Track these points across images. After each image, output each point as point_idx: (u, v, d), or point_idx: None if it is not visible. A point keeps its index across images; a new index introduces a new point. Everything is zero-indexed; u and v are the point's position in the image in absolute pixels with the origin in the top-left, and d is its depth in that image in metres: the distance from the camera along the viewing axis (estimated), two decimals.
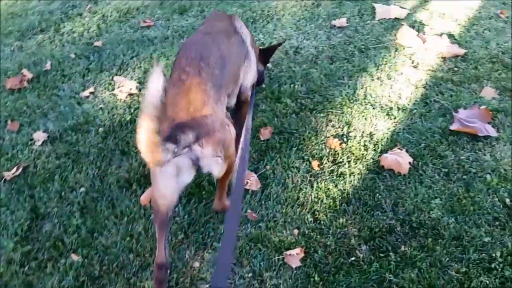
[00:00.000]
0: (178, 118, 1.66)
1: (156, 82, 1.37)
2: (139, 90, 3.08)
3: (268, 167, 2.43)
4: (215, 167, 1.77)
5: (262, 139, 2.58)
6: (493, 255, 2.00)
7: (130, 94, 3.06)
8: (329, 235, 2.12)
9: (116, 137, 2.73)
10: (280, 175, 2.39)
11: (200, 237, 2.16)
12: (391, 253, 2.04)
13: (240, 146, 1.99)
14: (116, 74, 3.28)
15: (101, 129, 2.81)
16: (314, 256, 2.04)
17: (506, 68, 3.08)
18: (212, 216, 2.23)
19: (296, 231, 2.15)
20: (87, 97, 3.11)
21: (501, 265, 1.95)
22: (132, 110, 2.94)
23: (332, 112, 2.75)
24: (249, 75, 2.34)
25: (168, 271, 1.88)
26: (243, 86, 2.31)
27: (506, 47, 3.28)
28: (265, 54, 2.67)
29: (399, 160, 2.39)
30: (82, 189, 2.45)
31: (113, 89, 3.13)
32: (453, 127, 2.58)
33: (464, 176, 2.36)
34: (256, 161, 2.48)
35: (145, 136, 1.46)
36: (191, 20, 3.90)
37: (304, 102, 2.86)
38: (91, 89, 3.16)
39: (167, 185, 1.71)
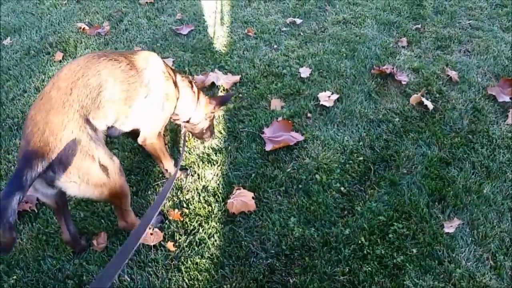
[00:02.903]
0: (32, 141, 1.78)
1: None
2: None
3: (124, 277, 2.19)
4: (70, 190, 1.91)
5: (98, 251, 2.31)
6: (360, 241, 2.28)
7: None
8: None
9: None
10: (141, 279, 2.18)
11: None
12: None
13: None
14: None
15: None
16: None
17: (277, 77, 3.54)
18: None
19: None
20: None
21: (370, 247, 2.24)
22: None
23: (157, 185, 2.67)
24: (150, 119, 2.35)
25: (76, 240, 2.28)
26: (141, 128, 2.36)
27: (268, 59, 3.76)
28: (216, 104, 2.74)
29: (243, 199, 2.48)
30: None
31: None
32: (268, 147, 2.82)
33: (300, 186, 2.61)
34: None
35: None
36: None
37: None
38: None
39: (37, 195, 2.01)
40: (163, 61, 2.42)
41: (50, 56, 4.03)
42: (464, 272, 2.15)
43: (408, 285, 2.10)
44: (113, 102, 2.08)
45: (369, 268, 2.16)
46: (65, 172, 1.83)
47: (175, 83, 2.43)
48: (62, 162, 1.81)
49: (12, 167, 2.82)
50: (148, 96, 2.26)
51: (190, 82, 2.63)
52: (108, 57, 2.13)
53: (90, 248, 2.32)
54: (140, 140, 2.42)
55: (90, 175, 1.92)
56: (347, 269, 2.17)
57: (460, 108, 3.19)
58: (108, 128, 2.12)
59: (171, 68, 2.47)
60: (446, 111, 3.16)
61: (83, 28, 4.40)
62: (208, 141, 2.89)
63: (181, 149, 2.50)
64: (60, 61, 3.92)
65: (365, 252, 2.23)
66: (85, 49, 4.08)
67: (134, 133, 2.40)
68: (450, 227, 2.36)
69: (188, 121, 2.71)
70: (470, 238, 2.31)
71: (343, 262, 2.20)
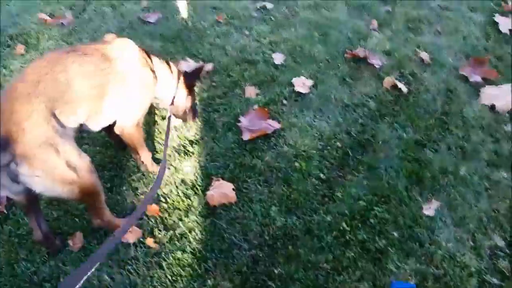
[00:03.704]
0: None
1: None
2: None
3: (104, 276, 2.13)
4: (36, 186, 1.81)
5: (74, 251, 2.23)
6: (341, 227, 2.29)
7: None
8: None
9: None
10: (121, 278, 2.13)
11: None
12: (269, 283, 2.09)
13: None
14: None
15: None
16: None
17: (250, 64, 3.49)
18: None
19: None
20: None
21: (352, 233, 2.26)
22: None
23: (132, 179, 2.59)
24: (127, 110, 2.29)
25: (48, 239, 2.18)
26: (118, 118, 2.30)
27: (240, 46, 3.70)
28: (189, 80, 2.67)
29: (223, 191, 2.45)
30: None
31: None
32: (245, 137, 2.78)
33: (279, 174, 2.59)
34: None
35: None
36: None
37: None
38: None
39: (5, 192, 1.88)
40: (138, 47, 2.34)
41: (11, 49, 3.84)
42: (445, 253, 2.19)
43: (391, 268, 2.12)
44: (84, 98, 2.00)
45: (352, 254, 2.17)
46: (28, 165, 1.74)
47: (152, 70, 2.36)
48: (25, 154, 1.72)
49: None
50: (124, 87, 2.19)
51: (168, 62, 2.57)
52: (78, 51, 2.05)
53: (66, 249, 2.24)
54: (117, 130, 2.35)
55: (56, 169, 1.83)
56: (331, 256, 2.17)
57: (433, 89, 3.22)
58: (81, 124, 2.05)
59: (146, 53, 2.40)
60: (419, 93, 3.19)
61: (45, 19, 4.21)
62: (192, 121, 2.86)
63: (165, 138, 2.43)
64: (22, 55, 3.75)
65: (347, 237, 2.24)
66: (48, 41, 3.91)
67: (108, 126, 2.33)
68: (429, 209, 2.39)
69: (172, 103, 2.64)
70: (449, 219, 2.35)
71: (326, 249, 2.20)
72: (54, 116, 1.85)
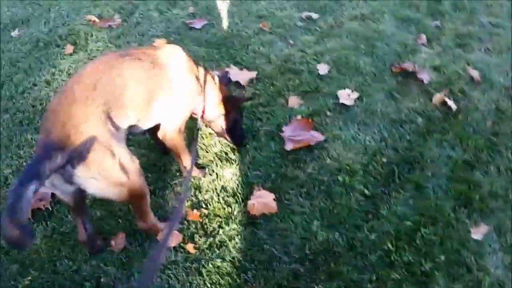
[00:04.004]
0: (53, 132, 1.72)
1: None
2: None
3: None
4: (89, 187, 1.84)
5: (116, 252, 2.25)
6: (386, 247, 2.22)
7: None
8: None
9: None
10: (161, 282, 2.13)
11: None
12: None
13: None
14: None
15: None
16: None
17: (294, 73, 3.47)
18: None
19: None
20: None
21: (397, 253, 2.19)
22: None
23: (175, 184, 2.60)
24: (172, 115, 2.32)
25: (92, 240, 2.21)
26: (161, 122, 2.33)
27: (284, 55, 3.69)
28: (231, 103, 2.62)
29: (264, 201, 2.43)
30: None
31: None
32: (287, 147, 2.76)
33: (322, 187, 2.55)
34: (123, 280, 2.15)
35: None
36: None
37: None
38: None
39: (56, 191, 1.92)
40: (187, 55, 2.36)
41: (60, 48, 3.95)
42: (494, 280, 2.10)
43: None
44: (136, 102, 2.05)
45: (397, 275, 2.10)
46: (85, 167, 1.77)
47: (197, 78, 2.39)
48: (82, 156, 1.74)
49: (24, 163, 2.75)
50: (171, 92, 2.22)
51: (212, 76, 2.58)
52: (131, 56, 2.09)
53: (107, 249, 2.26)
54: (160, 134, 2.38)
55: (110, 172, 1.86)
56: (375, 276, 2.11)
57: (483, 108, 3.12)
58: (130, 126, 2.07)
59: (193, 61, 2.42)
60: (469, 111, 3.09)
61: (93, 21, 4.31)
62: (235, 145, 2.77)
63: (193, 146, 2.43)
64: (71, 54, 3.84)
65: (392, 258, 2.17)
66: (96, 42, 4.00)
67: (153, 129, 2.36)
68: (477, 233, 2.30)
69: (202, 116, 2.60)
70: (498, 245, 2.26)
71: (370, 268, 2.14)
72: (110, 119, 1.88)
